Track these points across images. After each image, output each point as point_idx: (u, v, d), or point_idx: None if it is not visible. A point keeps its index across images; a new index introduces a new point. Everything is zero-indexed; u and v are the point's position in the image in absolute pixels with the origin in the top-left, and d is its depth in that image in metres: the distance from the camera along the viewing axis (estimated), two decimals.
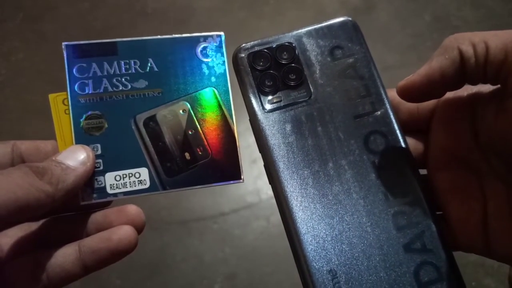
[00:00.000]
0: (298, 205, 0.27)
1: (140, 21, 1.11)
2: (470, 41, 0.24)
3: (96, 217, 0.29)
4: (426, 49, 1.05)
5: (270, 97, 0.29)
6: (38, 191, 0.24)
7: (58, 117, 0.28)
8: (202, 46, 0.30)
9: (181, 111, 0.30)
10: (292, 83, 0.29)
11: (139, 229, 0.28)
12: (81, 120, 0.28)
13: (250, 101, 0.29)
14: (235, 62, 0.29)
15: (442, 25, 1.09)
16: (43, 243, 0.29)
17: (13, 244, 0.28)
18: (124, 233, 0.28)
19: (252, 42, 0.30)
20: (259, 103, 0.29)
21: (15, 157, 0.29)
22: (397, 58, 1.03)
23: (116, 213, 0.29)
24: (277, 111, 0.29)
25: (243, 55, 0.29)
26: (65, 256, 0.27)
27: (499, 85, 0.25)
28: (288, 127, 0.28)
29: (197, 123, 0.30)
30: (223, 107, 0.30)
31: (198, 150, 0.30)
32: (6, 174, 0.24)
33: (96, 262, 0.27)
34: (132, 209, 0.29)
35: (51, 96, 0.29)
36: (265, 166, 0.28)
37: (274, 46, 0.30)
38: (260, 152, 0.28)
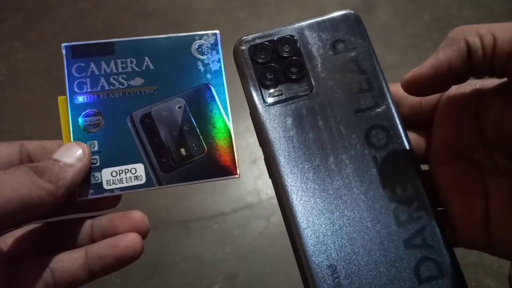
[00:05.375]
0: (298, 199, 0.27)
1: (140, 21, 1.11)
2: (477, 33, 0.24)
3: (101, 221, 0.29)
4: (426, 49, 1.04)
5: (271, 90, 0.29)
6: (40, 189, 0.24)
7: (65, 118, 0.29)
8: (197, 44, 0.31)
9: (176, 107, 0.30)
10: (294, 77, 0.29)
11: (143, 235, 0.29)
12: (79, 118, 0.29)
13: (251, 94, 0.29)
14: (236, 55, 0.29)
15: (442, 25, 1.09)
16: (49, 247, 0.29)
17: (20, 246, 0.29)
18: (130, 240, 0.28)
19: (253, 35, 0.29)
20: (260, 96, 0.29)
21: (23, 157, 0.30)
22: (397, 58, 1.03)
23: (121, 218, 0.29)
24: (278, 105, 0.28)
25: (244, 47, 0.29)
26: (72, 261, 0.28)
27: (505, 79, 0.24)
28: (289, 121, 0.28)
29: (192, 119, 0.30)
30: (218, 103, 0.30)
31: (194, 145, 0.30)
32: (9, 173, 0.24)
33: (103, 268, 0.28)
34: (137, 215, 0.29)
35: (60, 99, 0.30)
36: (265, 160, 0.28)
37: (275, 38, 0.29)
38: (260, 146, 0.28)
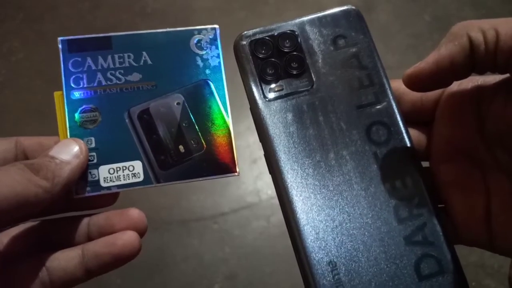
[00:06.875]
0: (298, 195, 0.27)
1: (140, 21, 1.11)
2: (479, 28, 0.23)
3: (98, 219, 0.29)
4: (426, 49, 1.04)
5: (271, 86, 0.28)
6: (36, 186, 0.24)
7: (61, 114, 0.29)
8: (196, 38, 0.30)
9: (175, 104, 0.30)
10: (294, 72, 0.29)
11: (141, 233, 0.28)
12: (76, 113, 0.29)
13: (251, 89, 0.28)
14: (236, 50, 0.29)
15: (442, 25, 1.09)
16: (46, 245, 0.29)
17: (16, 245, 0.28)
18: (128, 238, 0.28)
19: (253, 30, 0.29)
20: (260, 91, 0.28)
21: (19, 153, 0.29)
22: (397, 58, 1.03)
23: (118, 216, 0.29)
24: (279, 100, 0.28)
25: (244, 42, 0.29)
26: (69, 259, 0.27)
27: (507, 75, 0.24)
28: (290, 117, 0.28)
29: (191, 116, 0.30)
30: (217, 100, 0.30)
31: (192, 142, 0.29)
32: (4, 170, 0.24)
33: (99, 266, 0.27)
34: (135, 213, 0.29)
35: (56, 94, 0.29)
36: (265, 156, 0.28)
37: (276, 33, 0.29)
38: (260, 141, 0.28)
